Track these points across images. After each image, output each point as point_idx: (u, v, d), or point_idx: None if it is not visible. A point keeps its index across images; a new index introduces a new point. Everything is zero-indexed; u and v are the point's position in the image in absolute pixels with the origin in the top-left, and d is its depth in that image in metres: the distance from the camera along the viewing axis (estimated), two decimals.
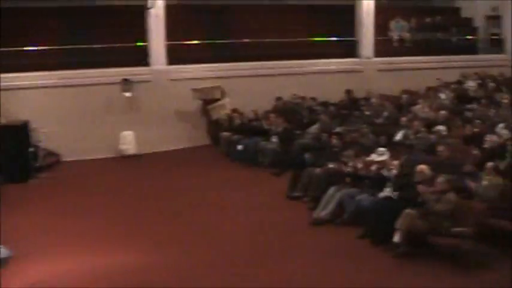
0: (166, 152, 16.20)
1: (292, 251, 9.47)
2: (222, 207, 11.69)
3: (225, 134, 15.86)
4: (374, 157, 11.17)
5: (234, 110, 16.23)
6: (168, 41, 16.79)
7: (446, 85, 18.99)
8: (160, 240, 9.98)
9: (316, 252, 9.46)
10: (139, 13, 16.63)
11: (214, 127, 16.78)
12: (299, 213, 11.15)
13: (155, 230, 10.48)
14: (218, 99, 16.64)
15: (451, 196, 9.09)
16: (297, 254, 9.37)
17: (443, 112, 14.91)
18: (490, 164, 9.92)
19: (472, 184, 9.88)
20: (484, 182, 9.73)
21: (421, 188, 9.38)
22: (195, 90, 16.46)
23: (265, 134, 14.90)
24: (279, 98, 17.22)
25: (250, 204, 11.86)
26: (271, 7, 20.98)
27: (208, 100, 16.65)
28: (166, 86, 16.59)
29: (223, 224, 10.76)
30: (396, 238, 8.99)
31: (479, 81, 19.38)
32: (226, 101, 16.64)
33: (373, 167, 10.79)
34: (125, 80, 15.96)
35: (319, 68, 18.63)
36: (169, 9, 16.85)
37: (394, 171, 10.39)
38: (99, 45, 16.00)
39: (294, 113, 16.70)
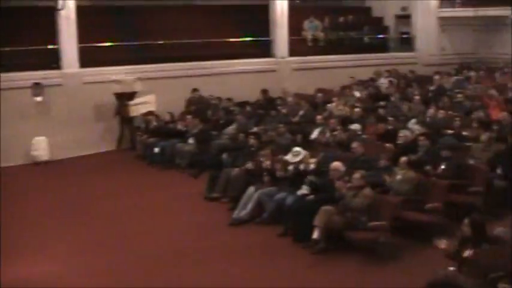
0: (81, 157, 15.77)
1: (213, 252, 9.43)
2: (141, 211, 11.51)
3: (141, 136, 15.61)
4: (290, 156, 11.22)
5: (150, 113, 16.00)
6: (81, 43, 16.36)
7: (359, 83, 19.39)
8: (80, 246, 9.75)
9: (237, 251, 9.47)
10: (50, 14, 16.12)
11: (128, 128, 16.47)
12: (218, 214, 11.10)
13: (74, 237, 10.20)
14: (135, 93, 16.27)
15: (367, 191, 9.25)
16: (218, 254, 9.35)
17: (357, 109, 15.19)
18: (403, 159, 10.16)
19: (387, 179, 10.10)
20: (398, 176, 9.96)
21: (338, 184, 9.49)
22: (116, 81, 16.08)
23: (182, 135, 14.76)
24: (195, 90, 17.06)
25: (169, 207, 11.73)
26: (186, 8, 20.84)
27: (124, 98, 16.23)
28: (79, 89, 16.14)
29: (142, 228, 10.60)
30: (315, 235, 9.06)
31: (391, 79, 19.87)
32: (149, 97, 16.35)
33: (291, 166, 10.85)
34: (36, 84, 15.46)
35: (234, 68, 18.61)
36: (81, 11, 16.42)
37: (312, 166, 10.49)
38: (8, 48, 15.39)
39: (206, 109, 16.71)
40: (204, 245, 9.74)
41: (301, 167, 10.63)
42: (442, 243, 7.22)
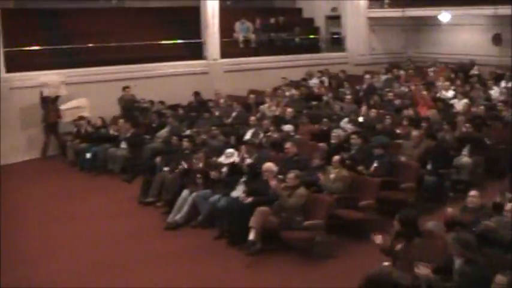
0: (10, 165, 15.25)
1: (148, 257, 9.29)
2: (75, 218, 11.20)
3: (72, 142, 15.25)
4: (224, 158, 11.18)
5: (81, 117, 15.64)
6: (6, 47, 15.86)
7: (292, 83, 19.51)
8: (12, 256, 9.37)
9: (172, 255, 9.36)
10: None
11: (53, 134, 16.06)
12: (153, 219, 10.95)
13: (4, 247, 9.84)
14: (59, 97, 15.85)
15: (302, 191, 9.27)
16: (153, 258, 9.21)
17: (290, 110, 15.27)
18: (336, 158, 10.25)
19: (320, 178, 10.17)
20: (332, 175, 10.04)
21: (272, 184, 9.48)
22: (43, 84, 15.63)
23: (114, 140, 14.51)
24: (125, 88, 16.81)
25: (103, 213, 11.48)
26: (117, 10, 20.58)
27: (49, 102, 15.78)
28: (6, 95, 15.64)
29: (75, 235, 10.32)
30: (251, 236, 9.03)
31: (323, 79, 20.10)
32: (82, 101, 15.98)
33: (224, 168, 10.81)
34: None
35: (166, 71, 18.42)
36: (5, 14, 15.92)
37: (248, 163, 10.49)
38: None
39: (135, 109, 16.57)
40: (139, 250, 9.57)
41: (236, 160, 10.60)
42: (378, 239, 7.30)
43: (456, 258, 6.41)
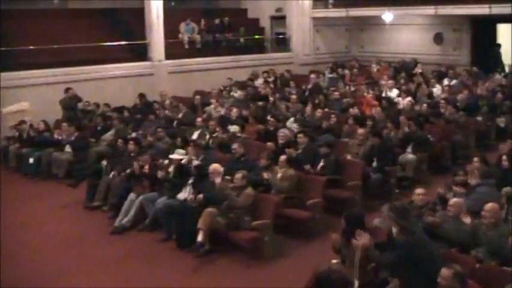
0: None
1: (96, 261, 9.14)
2: (19, 225, 10.91)
3: (14, 147, 14.90)
4: (175, 155, 11.04)
5: (23, 121, 15.29)
6: None
7: (237, 84, 19.51)
8: None
9: (120, 260, 9.22)
10: None
11: None
12: (100, 223, 10.76)
13: None
14: None
15: (249, 191, 9.26)
16: (101, 263, 9.07)
17: (235, 110, 15.25)
18: (282, 157, 10.28)
19: (267, 177, 10.18)
20: (278, 175, 10.06)
21: (220, 185, 9.43)
22: None
23: (58, 144, 14.23)
24: (68, 89, 16.48)
25: (48, 219, 11.21)
26: (58, 11, 20.26)
27: None
28: None
29: (21, 241, 10.04)
30: (199, 238, 8.97)
31: (269, 79, 20.16)
32: (24, 105, 15.61)
33: (171, 169, 10.72)
34: None
35: (110, 73, 18.23)
36: None
37: (194, 165, 10.41)
38: None
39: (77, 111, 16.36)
40: (86, 255, 9.40)
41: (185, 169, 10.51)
42: (332, 237, 7.35)
43: (393, 228, 6.52)
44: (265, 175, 10.25)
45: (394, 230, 6.51)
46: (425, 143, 12.46)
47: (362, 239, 6.27)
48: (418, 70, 20.45)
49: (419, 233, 6.45)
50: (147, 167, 11.02)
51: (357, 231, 6.50)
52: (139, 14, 19.61)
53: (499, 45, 21.23)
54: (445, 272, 5.78)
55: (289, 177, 9.97)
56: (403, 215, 6.29)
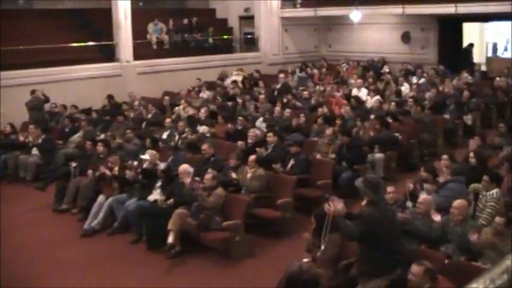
0: None
1: (67, 264, 9.02)
2: None
3: None
4: (146, 155, 10.93)
5: None
6: None
7: (206, 84, 19.45)
8: None
9: (90, 263, 9.11)
10: None
11: None
12: (69, 226, 10.64)
13: None
14: None
15: (220, 191, 9.23)
16: (71, 267, 8.95)
17: (204, 110, 15.19)
18: (251, 157, 10.27)
19: (237, 177, 10.17)
20: (248, 175, 10.05)
21: (190, 185, 9.38)
22: None
23: (24, 147, 14.02)
24: (34, 91, 16.28)
25: (16, 223, 11.00)
26: (23, 12, 20.02)
27: None
28: None
29: None
30: (170, 239, 8.92)
31: (238, 79, 20.15)
32: None
33: (140, 171, 10.63)
34: None
35: (78, 74, 18.05)
36: None
37: (161, 169, 10.32)
38: None
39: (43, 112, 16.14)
40: (56, 259, 9.27)
41: (149, 166, 10.41)
42: (306, 234, 7.37)
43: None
44: (234, 175, 10.23)
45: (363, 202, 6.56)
46: (392, 142, 12.53)
47: (335, 206, 6.27)
48: (385, 69, 20.59)
49: (387, 211, 6.51)
50: (116, 168, 10.92)
51: (331, 197, 6.53)
52: (106, 14, 19.45)
53: (471, 45, 21.48)
54: (415, 268, 5.84)
55: (259, 177, 9.96)
56: (374, 189, 6.32)
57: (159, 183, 10.07)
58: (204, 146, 11.32)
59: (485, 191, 8.12)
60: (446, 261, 6.56)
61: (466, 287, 3.02)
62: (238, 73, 20.73)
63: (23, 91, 16.19)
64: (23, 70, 16.95)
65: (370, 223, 6.15)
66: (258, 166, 10.12)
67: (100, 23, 20.06)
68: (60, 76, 17.59)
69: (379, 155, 12.06)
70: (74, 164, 12.13)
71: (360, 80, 18.24)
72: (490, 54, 24.90)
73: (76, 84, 17.74)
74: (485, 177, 8.15)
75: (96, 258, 9.29)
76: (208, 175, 9.35)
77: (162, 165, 10.50)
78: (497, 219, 6.92)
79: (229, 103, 16.81)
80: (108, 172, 10.83)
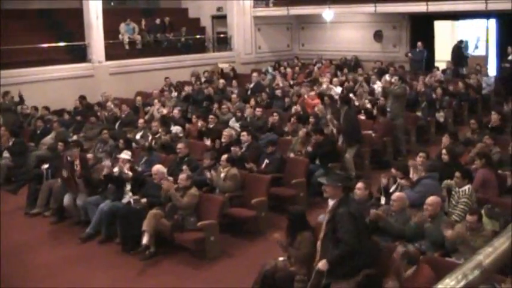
0: None
1: (40, 268, 8.93)
2: None
3: None
4: (123, 155, 10.81)
5: None
6: None
7: (179, 84, 19.38)
8: None
9: (65, 264, 9.02)
10: None
11: None
12: (42, 230, 10.51)
13: None
14: None
15: (194, 191, 9.20)
16: (45, 269, 8.86)
17: (177, 110, 15.12)
18: (224, 156, 10.23)
19: (211, 176, 10.14)
20: (222, 174, 10.02)
21: (164, 186, 9.33)
22: None
23: None
24: (6, 93, 16.10)
25: None
26: None
27: None
28: None
29: None
30: (144, 240, 8.87)
31: (211, 78, 20.11)
32: None
33: (114, 172, 10.53)
34: None
35: (49, 75, 17.86)
36: None
37: (130, 173, 10.20)
38: None
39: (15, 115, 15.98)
40: (30, 262, 9.16)
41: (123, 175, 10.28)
42: (275, 235, 7.36)
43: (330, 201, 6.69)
44: (208, 175, 10.19)
45: (331, 202, 6.60)
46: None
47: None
48: (359, 69, 20.67)
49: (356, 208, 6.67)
50: (77, 163, 10.69)
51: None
52: (77, 15, 19.29)
53: (461, 41, 21.56)
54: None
55: (233, 176, 9.93)
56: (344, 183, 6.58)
57: (128, 187, 9.96)
58: (180, 145, 11.24)
59: (457, 188, 8.21)
60: (420, 257, 6.60)
61: (439, 282, 3.04)
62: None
63: None
64: None
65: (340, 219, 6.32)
66: (231, 166, 10.09)
67: (71, 23, 19.89)
68: (31, 77, 17.38)
69: (347, 156, 11.97)
70: (46, 166, 11.98)
71: (336, 79, 18.23)
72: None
73: (47, 86, 17.56)
74: (457, 174, 8.24)
75: (70, 261, 9.17)
76: (183, 175, 9.31)
77: (128, 173, 10.24)
78: (468, 217, 6.98)
79: (204, 102, 16.79)
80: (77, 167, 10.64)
